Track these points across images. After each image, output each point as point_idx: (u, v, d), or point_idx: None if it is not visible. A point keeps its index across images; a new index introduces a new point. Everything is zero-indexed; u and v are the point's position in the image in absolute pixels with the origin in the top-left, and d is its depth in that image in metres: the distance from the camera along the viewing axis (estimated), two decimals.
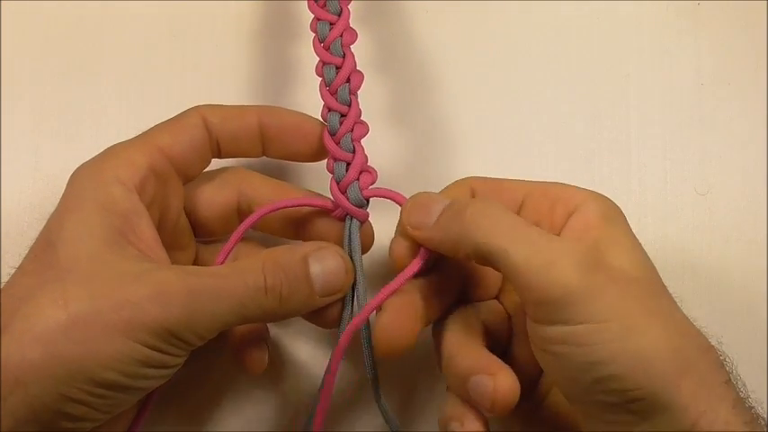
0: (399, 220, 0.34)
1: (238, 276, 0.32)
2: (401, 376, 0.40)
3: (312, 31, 0.36)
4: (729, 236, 0.42)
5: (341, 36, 0.36)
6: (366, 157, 0.36)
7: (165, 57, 0.42)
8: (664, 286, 0.32)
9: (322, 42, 0.36)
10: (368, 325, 0.35)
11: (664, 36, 0.43)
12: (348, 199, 0.36)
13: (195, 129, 0.35)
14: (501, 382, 0.31)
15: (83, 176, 0.33)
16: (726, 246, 0.42)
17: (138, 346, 0.30)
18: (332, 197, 0.36)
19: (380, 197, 0.36)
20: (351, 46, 0.36)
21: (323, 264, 0.33)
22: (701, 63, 0.43)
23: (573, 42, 0.43)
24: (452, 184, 0.35)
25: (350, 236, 0.35)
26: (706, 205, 0.42)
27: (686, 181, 0.42)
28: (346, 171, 0.36)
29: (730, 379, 0.30)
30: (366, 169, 0.36)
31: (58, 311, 0.29)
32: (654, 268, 0.32)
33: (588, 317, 0.29)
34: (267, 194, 0.36)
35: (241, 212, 0.37)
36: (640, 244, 0.32)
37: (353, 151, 0.36)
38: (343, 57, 0.36)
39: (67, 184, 0.33)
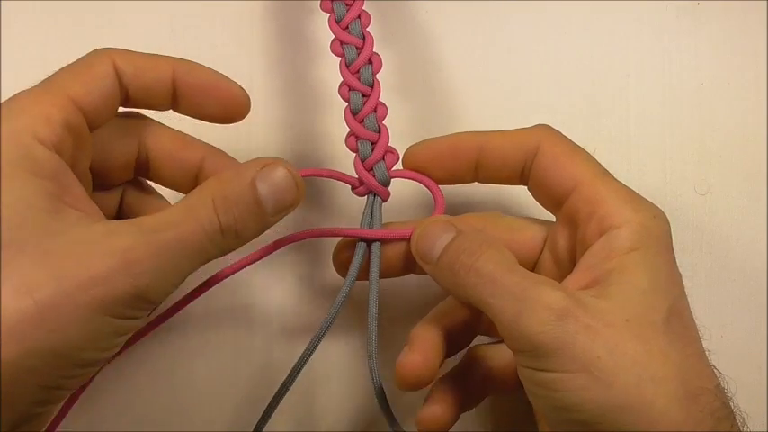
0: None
1: (194, 221, 0.30)
2: None
3: (326, 10, 0.36)
4: (729, 236, 0.42)
5: (359, 17, 0.36)
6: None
7: None
8: (668, 323, 0.31)
9: (338, 22, 0.36)
10: (374, 328, 0.35)
11: (664, 36, 0.43)
12: (375, 177, 0.36)
13: (107, 79, 0.33)
14: (407, 358, 0.34)
15: None
16: (726, 246, 0.42)
17: (112, 319, 0.29)
18: (357, 175, 0.37)
19: (407, 179, 0.37)
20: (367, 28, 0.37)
21: (271, 183, 0.32)
22: (701, 63, 0.43)
23: (573, 42, 0.43)
24: (520, 132, 0.36)
25: (372, 213, 0.37)
26: (706, 205, 0.42)
27: (686, 181, 0.42)
28: (371, 151, 0.36)
29: (718, 426, 0.30)
30: (389, 150, 0.37)
31: (23, 301, 0.27)
32: (664, 303, 0.31)
33: (556, 367, 0.30)
34: (168, 147, 0.35)
35: (139, 163, 0.35)
36: (666, 273, 0.32)
37: (378, 131, 0.36)
38: (363, 38, 0.36)
39: None
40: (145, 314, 0.31)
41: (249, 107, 0.35)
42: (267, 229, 0.33)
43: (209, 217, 0.31)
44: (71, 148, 0.31)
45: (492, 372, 0.37)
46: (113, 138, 0.35)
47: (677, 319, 0.31)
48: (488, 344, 0.37)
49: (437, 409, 0.35)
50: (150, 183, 0.37)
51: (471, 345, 0.38)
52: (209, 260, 0.32)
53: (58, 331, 0.28)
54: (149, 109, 0.35)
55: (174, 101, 0.35)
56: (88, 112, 0.32)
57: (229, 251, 0.32)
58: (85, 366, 0.29)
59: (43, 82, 0.32)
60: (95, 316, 0.28)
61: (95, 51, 0.33)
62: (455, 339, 0.36)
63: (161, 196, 0.37)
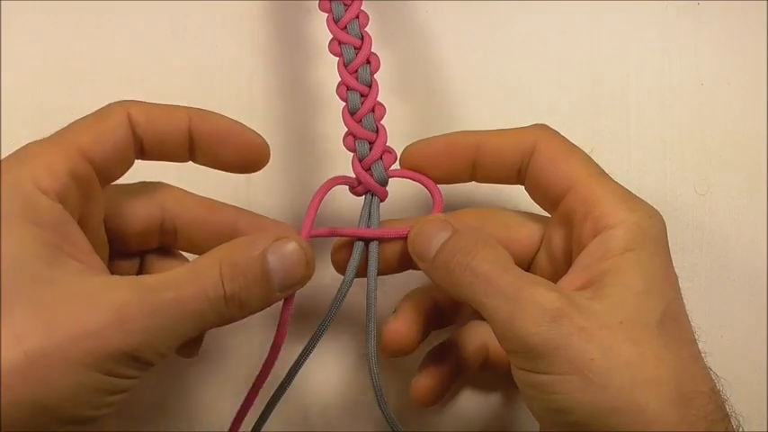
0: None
1: (198, 285, 0.30)
2: (401, 377, 0.40)
3: (324, 10, 0.36)
4: (729, 236, 0.42)
5: (357, 17, 0.36)
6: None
7: (165, 57, 0.43)
8: (662, 326, 0.30)
9: (337, 22, 0.36)
10: (373, 326, 0.36)
11: (664, 36, 0.43)
12: (373, 177, 0.36)
13: (120, 129, 0.32)
14: (390, 326, 0.36)
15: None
16: (726, 246, 0.42)
17: (101, 376, 0.28)
18: (354, 174, 0.37)
19: (405, 178, 0.37)
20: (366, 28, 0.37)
21: (281, 255, 0.31)
22: (701, 63, 0.43)
23: (573, 42, 0.43)
24: (517, 131, 0.36)
25: (369, 212, 0.37)
26: (706, 205, 0.42)
27: (686, 181, 0.42)
28: (369, 150, 0.36)
29: (712, 428, 0.30)
30: (387, 150, 0.37)
31: (12, 352, 0.27)
32: (658, 306, 0.31)
33: (550, 368, 0.29)
34: (192, 211, 0.35)
35: (164, 229, 0.35)
36: (661, 275, 0.32)
37: (376, 131, 0.37)
38: (362, 38, 0.36)
39: None
40: (138, 374, 0.29)
41: (268, 155, 0.35)
42: (271, 304, 0.32)
43: (213, 283, 0.30)
44: (78, 199, 0.31)
45: (484, 347, 0.37)
46: (130, 202, 0.34)
47: (672, 322, 0.31)
48: (481, 320, 0.38)
49: (426, 381, 0.37)
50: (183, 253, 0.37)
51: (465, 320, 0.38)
52: (207, 328, 0.31)
53: (46, 383, 0.27)
54: (167, 160, 0.34)
55: (191, 151, 0.34)
56: (99, 162, 0.32)
57: (231, 321, 0.31)
58: (73, 423, 0.28)
59: (55, 133, 0.32)
60: (85, 371, 0.28)
61: (110, 103, 0.33)
62: (444, 313, 0.37)
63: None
